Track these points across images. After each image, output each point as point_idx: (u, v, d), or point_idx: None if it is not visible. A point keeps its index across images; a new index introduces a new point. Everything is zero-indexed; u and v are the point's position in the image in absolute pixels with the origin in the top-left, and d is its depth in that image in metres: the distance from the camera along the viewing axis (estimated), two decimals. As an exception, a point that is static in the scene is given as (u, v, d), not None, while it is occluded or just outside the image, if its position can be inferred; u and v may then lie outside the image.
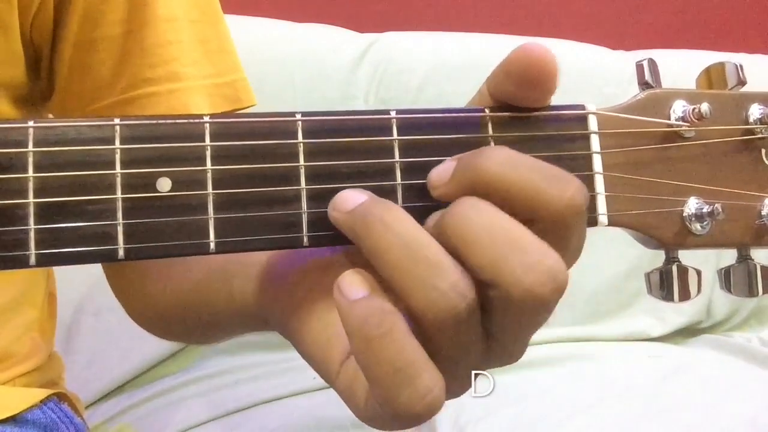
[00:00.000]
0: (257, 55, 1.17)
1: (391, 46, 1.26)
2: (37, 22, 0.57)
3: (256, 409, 0.99)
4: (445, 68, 1.23)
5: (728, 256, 0.43)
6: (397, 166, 0.36)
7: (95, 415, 1.00)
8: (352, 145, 0.36)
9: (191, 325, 0.58)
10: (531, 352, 1.16)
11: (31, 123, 0.33)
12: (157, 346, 1.06)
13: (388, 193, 0.36)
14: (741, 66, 0.42)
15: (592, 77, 1.28)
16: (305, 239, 0.35)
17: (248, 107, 0.63)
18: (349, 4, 1.42)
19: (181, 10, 0.60)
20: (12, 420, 0.59)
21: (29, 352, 0.63)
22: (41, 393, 0.62)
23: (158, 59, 0.58)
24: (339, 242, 0.36)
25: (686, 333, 1.32)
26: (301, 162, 0.35)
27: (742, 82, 0.42)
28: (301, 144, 0.35)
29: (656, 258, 0.42)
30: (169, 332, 0.64)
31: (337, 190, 0.36)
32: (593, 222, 0.39)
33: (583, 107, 0.39)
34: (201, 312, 0.54)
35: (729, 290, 0.42)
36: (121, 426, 0.98)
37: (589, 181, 0.39)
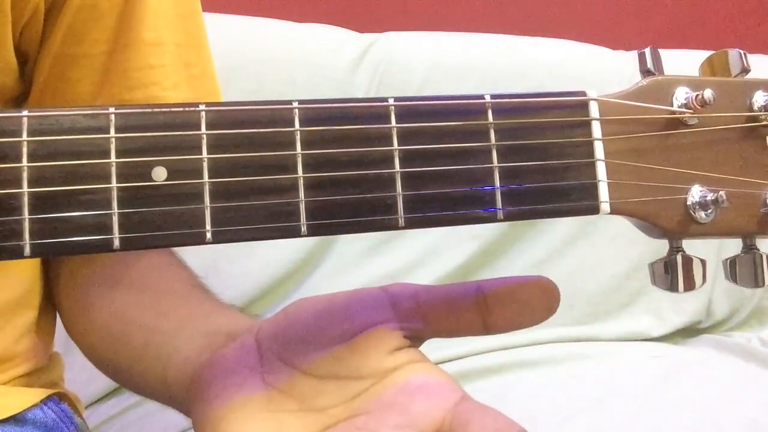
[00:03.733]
0: (257, 55, 1.17)
1: (391, 46, 1.26)
2: (27, 32, 0.57)
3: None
4: (445, 68, 1.23)
5: (729, 253, 0.43)
6: (396, 154, 0.36)
7: (95, 415, 1.00)
8: (350, 133, 0.36)
9: (121, 378, 0.60)
10: (531, 352, 1.16)
11: (25, 112, 0.32)
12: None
13: (386, 182, 0.36)
14: (745, 54, 0.42)
15: (592, 77, 1.28)
16: (303, 228, 0.35)
17: None
18: (349, 4, 1.42)
19: (167, 34, 0.60)
20: (12, 419, 0.58)
21: (29, 353, 0.63)
22: (41, 392, 0.62)
23: (138, 83, 0.58)
24: (338, 231, 0.36)
25: (686, 333, 1.32)
26: (299, 150, 0.35)
27: (746, 70, 0.42)
28: (298, 132, 0.35)
29: (657, 258, 0.41)
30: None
31: (335, 179, 0.35)
32: (595, 209, 0.39)
33: (584, 93, 0.39)
34: (133, 377, 0.55)
35: (734, 280, 0.42)
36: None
37: (590, 169, 0.38)
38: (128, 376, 0.56)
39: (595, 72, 1.29)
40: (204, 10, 0.64)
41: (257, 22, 1.23)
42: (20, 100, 0.61)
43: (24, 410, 0.59)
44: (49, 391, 0.63)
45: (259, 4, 1.29)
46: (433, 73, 1.23)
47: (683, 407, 0.94)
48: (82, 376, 0.97)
